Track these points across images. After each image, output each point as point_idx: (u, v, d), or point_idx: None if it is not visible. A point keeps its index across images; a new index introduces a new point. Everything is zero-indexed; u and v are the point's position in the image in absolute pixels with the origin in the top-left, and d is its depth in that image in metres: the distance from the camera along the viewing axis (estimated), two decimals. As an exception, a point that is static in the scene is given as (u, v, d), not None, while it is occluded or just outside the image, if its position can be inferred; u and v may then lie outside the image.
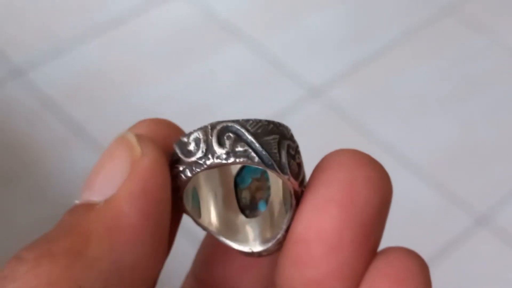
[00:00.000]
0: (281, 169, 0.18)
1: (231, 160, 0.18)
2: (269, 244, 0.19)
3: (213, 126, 0.18)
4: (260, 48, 0.95)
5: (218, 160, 0.18)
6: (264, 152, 0.18)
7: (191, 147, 0.18)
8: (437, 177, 0.83)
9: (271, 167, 0.18)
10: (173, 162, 0.18)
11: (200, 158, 0.18)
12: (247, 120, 0.18)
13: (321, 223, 0.17)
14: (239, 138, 0.18)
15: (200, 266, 0.21)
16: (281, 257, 0.18)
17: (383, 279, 0.17)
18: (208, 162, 0.18)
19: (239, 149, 0.18)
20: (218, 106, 0.88)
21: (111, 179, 0.18)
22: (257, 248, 0.19)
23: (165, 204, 0.18)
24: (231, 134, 0.18)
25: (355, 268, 0.17)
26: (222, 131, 0.18)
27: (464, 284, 0.76)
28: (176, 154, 0.18)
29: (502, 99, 0.92)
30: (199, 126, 0.18)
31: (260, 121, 0.18)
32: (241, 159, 0.18)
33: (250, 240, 0.19)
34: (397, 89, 0.92)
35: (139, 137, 0.18)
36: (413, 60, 0.95)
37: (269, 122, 0.18)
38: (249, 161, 0.18)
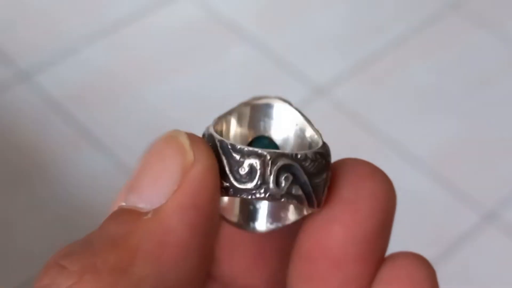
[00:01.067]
0: (318, 206, 0.18)
1: (283, 200, 0.17)
2: (268, 228, 0.19)
3: (273, 160, 0.17)
4: (265, 47, 0.95)
5: (270, 198, 0.17)
6: (313, 196, 0.18)
7: (244, 172, 0.17)
8: (443, 174, 0.83)
9: (312, 207, 0.18)
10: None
11: (251, 189, 0.17)
12: (305, 158, 0.17)
13: (326, 241, 0.18)
14: (296, 180, 0.17)
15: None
16: (290, 271, 0.18)
17: None
18: (257, 195, 0.17)
19: (294, 192, 0.17)
20: (224, 105, 0.88)
21: (160, 187, 0.17)
22: (254, 226, 0.19)
23: (214, 217, 0.17)
24: (289, 175, 0.17)
25: (362, 281, 0.18)
26: (281, 170, 0.17)
27: (471, 281, 0.76)
28: (220, 161, 0.17)
29: (507, 93, 0.92)
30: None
31: (317, 156, 0.18)
32: (292, 201, 0.17)
33: (248, 217, 0.19)
34: (402, 86, 0.92)
35: (191, 139, 0.17)
36: (417, 56, 0.95)
37: (324, 156, 0.18)
38: (297, 203, 0.18)
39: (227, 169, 0.17)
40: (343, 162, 0.18)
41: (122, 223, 0.16)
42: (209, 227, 0.17)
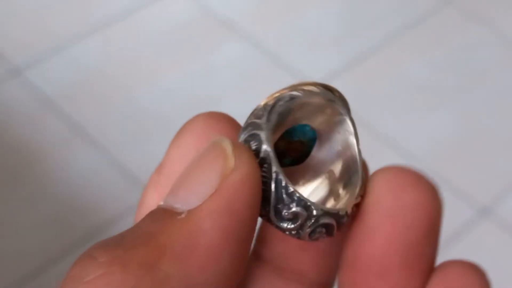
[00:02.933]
0: None
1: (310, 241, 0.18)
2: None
3: (317, 217, 0.18)
4: (258, 43, 0.94)
5: (298, 239, 0.18)
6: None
7: (286, 216, 0.18)
8: (438, 169, 0.83)
9: None
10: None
11: (285, 228, 0.18)
12: (345, 215, 0.18)
13: (369, 251, 0.18)
14: (329, 233, 0.18)
15: (260, 243, 0.21)
16: (339, 277, 0.19)
17: None
18: (287, 233, 0.18)
19: (323, 238, 0.18)
20: (218, 101, 0.88)
21: (197, 189, 0.17)
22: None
23: (251, 223, 0.17)
24: (324, 230, 0.18)
25: None
26: (320, 226, 0.18)
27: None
28: (269, 190, 0.18)
29: (502, 89, 0.92)
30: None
31: (354, 209, 0.18)
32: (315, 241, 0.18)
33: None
34: (396, 82, 0.92)
35: (235, 146, 0.17)
36: (411, 52, 0.95)
37: (359, 205, 0.18)
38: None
39: (272, 201, 0.17)
40: (385, 169, 0.18)
41: (155, 221, 0.17)
42: (243, 234, 0.17)
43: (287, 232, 0.18)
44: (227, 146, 0.17)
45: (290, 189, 0.17)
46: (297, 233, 0.18)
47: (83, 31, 0.94)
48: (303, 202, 0.17)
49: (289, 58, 0.93)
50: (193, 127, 0.19)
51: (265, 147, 0.18)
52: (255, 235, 0.20)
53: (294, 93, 0.18)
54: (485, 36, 0.97)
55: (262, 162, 0.18)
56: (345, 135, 0.19)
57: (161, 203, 0.17)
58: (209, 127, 0.19)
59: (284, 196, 0.17)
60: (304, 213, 0.17)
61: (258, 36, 0.95)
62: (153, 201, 0.19)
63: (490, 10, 0.99)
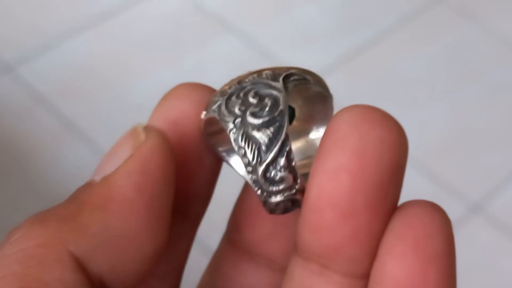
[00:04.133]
0: None
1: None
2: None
3: (298, 189, 0.18)
4: (250, 39, 0.94)
5: (262, 199, 0.18)
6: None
7: (273, 177, 0.18)
8: (430, 166, 0.83)
9: None
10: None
11: (265, 189, 0.18)
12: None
13: (332, 191, 0.17)
14: (289, 210, 0.18)
15: (232, 228, 0.21)
16: (298, 222, 0.18)
17: (400, 242, 0.17)
18: (262, 194, 0.18)
19: (276, 213, 0.18)
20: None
21: (113, 161, 0.18)
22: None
23: (166, 182, 0.18)
24: (290, 204, 0.18)
25: (371, 232, 0.17)
26: (291, 201, 0.18)
27: (457, 272, 0.76)
28: (272, 146, 0.18)
29: (494, 86, 0.92)
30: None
31: None
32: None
33: None
34: (389, 78, 0.92)
35: (146, 127, 0.19)
36: (404, 48, 0.95)
37: None
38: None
39: (268, 158, 0.17)
40: (351, 107, 0.18)
41: (76, 192, 0.18)
42: (158, 191, 0.18)
43: (258, 192, 0.18)
44: (138, 127, 0.19)
45: (291, 156, 0.17)
46: (267, 196, 0.18)
47: (74, 27, 0.94)
48: (294, 172, 0.17)
49: (282, 53, 0.93)
50: (177, 93, 0.20)
51: (282, 107, 0.18)
52: (203, 216, 0.21)
53: (307, 76, 0.18)
54: (477, 33, 0.97)
55: (273, 120, 0.18)
56: (319, 134, 0.19)
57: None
58: (192, 92, 0.20)
59: (283, 159, 0.17)
60: (290, 182, 0.17)
61: (251, 32, 0.95)
62: None
63: (482, 7, 0.99)
